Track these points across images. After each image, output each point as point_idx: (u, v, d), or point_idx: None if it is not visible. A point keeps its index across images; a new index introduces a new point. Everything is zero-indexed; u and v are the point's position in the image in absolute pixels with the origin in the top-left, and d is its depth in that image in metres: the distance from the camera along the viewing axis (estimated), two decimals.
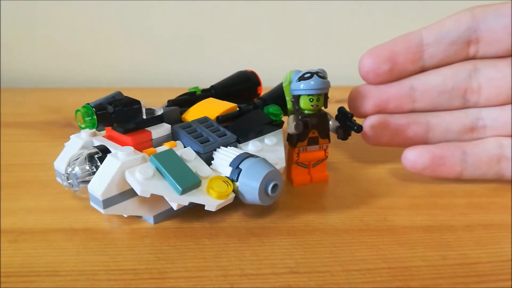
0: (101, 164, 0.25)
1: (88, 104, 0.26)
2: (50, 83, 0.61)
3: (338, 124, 0.31)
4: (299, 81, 0.29)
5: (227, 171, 0.26)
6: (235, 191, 0.26)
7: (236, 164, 0.26)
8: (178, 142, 0.28)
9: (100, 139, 0.28)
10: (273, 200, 0.27)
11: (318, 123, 0.31)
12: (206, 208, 0.25)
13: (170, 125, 0.29)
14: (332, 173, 0.34)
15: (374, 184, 0.32)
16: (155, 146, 0.27)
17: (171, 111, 0.30)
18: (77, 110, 0.26)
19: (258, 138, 0.30)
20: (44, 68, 0.61)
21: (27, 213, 0.28)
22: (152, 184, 0.24)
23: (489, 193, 0.31)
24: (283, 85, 0.34)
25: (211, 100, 0.32)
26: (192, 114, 0.31)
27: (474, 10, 0.28)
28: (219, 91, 0.35)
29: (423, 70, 0.29)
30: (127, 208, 0.25)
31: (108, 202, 0.24)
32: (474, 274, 0.23)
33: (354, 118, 0.30)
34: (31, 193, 0.30)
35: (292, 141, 0.31)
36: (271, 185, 0.26)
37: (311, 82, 0.29)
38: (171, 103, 0.32)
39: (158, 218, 0.27)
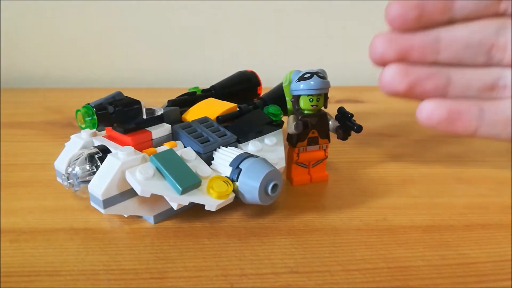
0: (101, 164, 0.25)
1: (88, 104, 0.26)
2: (51, 83, 0.61)
3: (338, 124, 0.31)
4: (299, 81, 0.29)
5: (227, 171, 0.26)
6: (235, 191, 0.26)
7: (236, 164, 0.26)
8: (178, 142, 0.28)
9: (100, 139, 0.28)
10: (273, 200, 0.27)
11: (318, 123, 0.31)
12: (206, 208, 0.25)
13: (170, 125, 0.29)
14: (332, 173, 0.34)
15: (373, 184, 0.32)
16: (155, 146, 0.27)
17: (171, 111, 0.30)
18: (78, 110, 0.26)
19: (258, 138, 0.30)
20: (44, 68, 0.61)
21: (27, 213, 0.28)
22: (152, 184, 0.24)
23: (489, 193, 0.31)
24: (283, 85, 0.34)
25: (211, 100, 0.32)
26: (192, 114, 0.31)
27: None
28: (219, 91, 0.35)
29: (450, 22, 0.28)
30: (127, 208, 0.25)
31: (108, 202, 0.24)
32: (474, 274, 0.23)
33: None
34: (31, 193, 0.30)
35: (292, 141, 0.31)
36: (271, 185, 0.26)
37: (311, 82, 0.29)
38: (171, 103, 0.32)
39: (158, 218, 0.27)
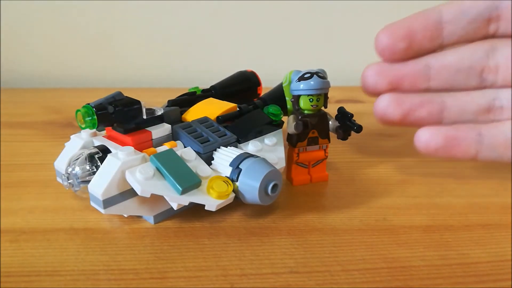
0: (101, 164, 0.25)
1: (88, 104, 0.26)
2: (51, 83, 0.61)
3: (338, 124, 0.31)
4: (299, 81, 0.29)
5: (227, 171, 0.26)
6: (235, 191, 0.26)
7: (236, 164, 0.26)
8: (178, 142, 0.28)
9: (100, 139, 0.28)
10: (273, 200, 0.27)
11: (318, 123, 0.31)
12: (206, 208, 0.25)
13: (170, 125, 0.29)
14: (332, 173, 0.34)
15: (373, 184, 0.32)
16: (155, 146, 0.27)
17: (171, 111, 0.30)
18: (78, 110, 0.26)
19: (258, 138, 0.30)
20: (44, 68, 0.61)
21: (27, 213, 0.28)
22: (152, 184, 0.24)
23: (489, 193, 0.31)
24: (283, 85, 0.34)
25: (211, 100, 0.32)
26: (192, 114, 0.31)
27: None
28: (219, 91, 0.35)
29: (440, 48, 0.28)
30: (127, 208, 0.25)
31: (108, 202, 0.24)
32: (474, 274, 0.23)
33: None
34: (31, 193, 0.30)
35: (292, 141, 0.31)
36: (271, 185, 0.26)
37: (311, 82, 0.29)
38: (171, 103, 0.32)
39: (158, 218, 0.27)
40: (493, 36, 0.28)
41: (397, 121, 0.29)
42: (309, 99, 0.30)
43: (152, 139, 0.28)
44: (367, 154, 0.38)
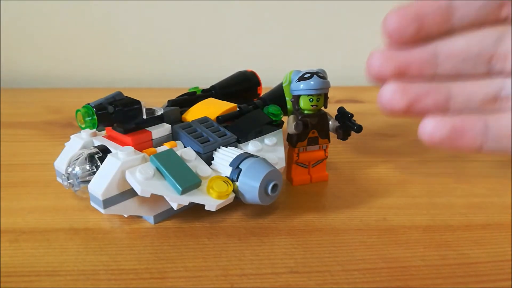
0: (101, 164, 0.25)
1: (88, 104, 0.26)
2: (51, 83, 0.61)
3: (338, 124, 0.31)
4: (299, 81, 0.29)
5: (227, 171, 0.26)
6: (235, 191, 0.26)
7: (236, 164, 0.26)
8: (178, 142, 0.28)
9: (100, 139, 0.28)
10: (273, 200, 0.27)
11: (318, 123, 0.31)
12: (206, 208, 0.25)
13: (170, 125, 0.29)
14: (332, 173, 0.34)
15: (373, 184, 0.32)
16: (155, 146, 0.27)
17: (171, 111, 0.30)
18: (78, 110, 0.26)
19: (258, 138, 0.30)
20: (44, 68, 0.61)
21: (27, 213, 0.28)
22: (152, 184, 0.24)
23: (489, 193, 0.31)
24: (283, 85, 0.34)
25: (211, 100, 0.32)
26: (192, 114, 0.31)
27: None
28: (219, 91, 0.35)
29: (450, 33, 0.28)
30: (127, 208, 0.25)
31: (108, 202, 0.24)
32: (474, 274, 0.23)
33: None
34: (31, 193, 0.30)
35: (292, 141, 0.31)
36: (271, 185, 0.26)
37: (311, 82, 0.29)
38: (171, 103, 0.32)
39: (158, 218, 0.27)
40: (505, 21, 0.27)
41: (403, 110, 0.27)
42: (309, 99, 0.30)
43: (152, 139, 0.28)
44: (367, 154, 0.38)
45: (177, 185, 0.24)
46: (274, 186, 0.26)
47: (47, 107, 0.50)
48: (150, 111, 0.28)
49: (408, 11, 0.27)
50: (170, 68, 0.62)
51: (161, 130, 0.28)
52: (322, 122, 0.31)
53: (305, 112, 0.30)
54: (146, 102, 0.28)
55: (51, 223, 0.27)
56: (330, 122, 0.31)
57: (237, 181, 0.26)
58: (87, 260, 0.24)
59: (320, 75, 0.29)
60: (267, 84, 0.38)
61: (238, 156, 0.26)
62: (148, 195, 0.24)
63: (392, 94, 0.28)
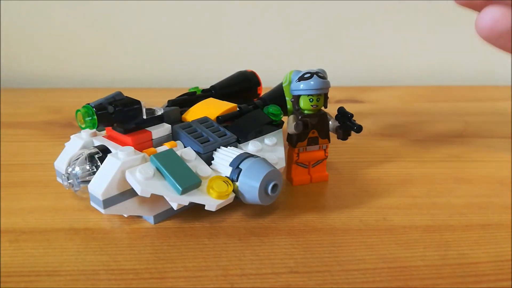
0: (101, 164, 0.25)
1: (88, 104, 0.26)
2: (51, 83, 0.61)
3: (338, 124, 0.31)
4: (299, 81, 0.29)
5: (227, 171, 0.26)
6: (235, 191, 0.26)
7: (236, 164, 0.26)
8: (178, 142, 0.28)
9: (100, 139, 0.28)
10: (273, 200, 0.27)
11: (318, 123, 0.31)
12: (206, 208, 0.25)
13: (170, 125, 0.29)
14: (332, 173, 0.34)
15: (373, 184, 0.32)
16: (155, 146, 0.27)
17: (171, 111, 0.30)
18: (78, 110, 0.26)
19: (258, 138, 0.30)
20: (44, 68, 0.61)
21: (27, 213, 0.28)
22: (152, 184, 0.24)
23: (489, 193, 0.31)
24: (283, 85, 0.34)
25: (211, 100, 0.32)
26: (192, 114, 0.31)
27: None
28: (219, 91, 0.35)
29: None
30: (127, 208, 0.25)
31: (108, 202, 0.24)
32: (473, 274, 0.23)
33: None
34: (31, 193, 0.30)
35: (292, 141, 0.31)
36: (271, 185, 0.26)
37: (311, 82, 0.29)
38: (171, 103, 0.32)
39: (158, 218, 0.27)
40: None
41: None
42: (309, 99, 0.30)
43: (152, 139, 0.28)
44: (367, 154, 0.38)
45: (177, 185, 0.24)
46: (274, 186, 0.26)
47: (47, 107, 0.50)
48: (150, 111, 0.28)
49: None
50: (170, 68, 0.62)
51: (161, 130, 0.28)
52: (322, 122, 0.31)
53: (305, 112, 0.30)
54: (146, 102, 0.28)
55: (51, 223, 0.27)
56: (330, 122, 0.31)
57: (237, 181, 0.26)
58: (87, 260, 0.24)
59: (320, 75, 0.29)
60: (267, 84, 0.38)
61: (238, 156, 0.26)
62: (148, 195, 0.24)
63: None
